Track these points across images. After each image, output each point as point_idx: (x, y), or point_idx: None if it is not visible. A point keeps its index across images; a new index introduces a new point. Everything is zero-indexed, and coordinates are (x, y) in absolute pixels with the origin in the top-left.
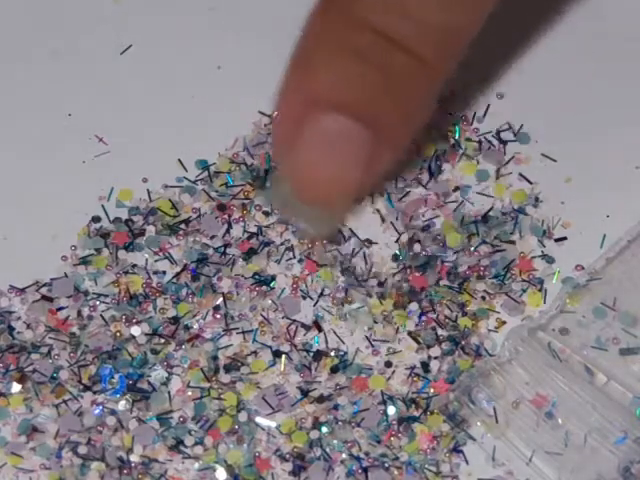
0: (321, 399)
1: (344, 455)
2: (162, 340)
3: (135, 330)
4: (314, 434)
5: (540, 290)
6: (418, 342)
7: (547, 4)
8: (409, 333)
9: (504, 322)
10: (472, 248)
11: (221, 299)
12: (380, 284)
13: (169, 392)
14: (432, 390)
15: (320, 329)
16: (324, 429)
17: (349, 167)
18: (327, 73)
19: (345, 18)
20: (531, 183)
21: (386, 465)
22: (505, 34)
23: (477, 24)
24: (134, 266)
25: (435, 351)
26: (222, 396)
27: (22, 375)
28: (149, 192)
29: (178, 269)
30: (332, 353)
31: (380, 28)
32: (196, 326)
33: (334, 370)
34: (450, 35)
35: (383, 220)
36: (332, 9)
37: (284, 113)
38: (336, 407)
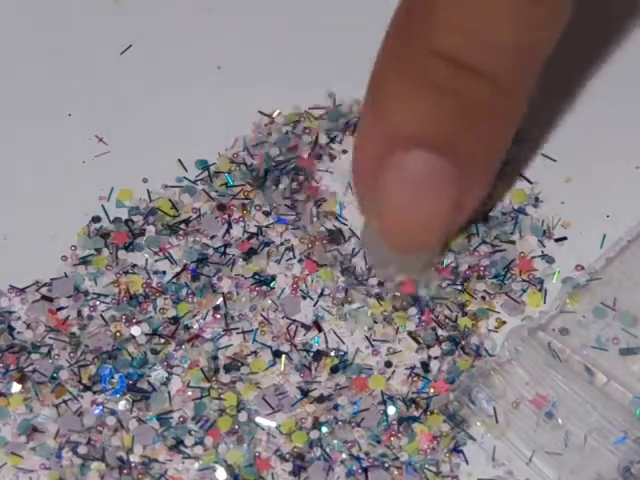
0: (321, 399)
1: (344, 455)
2: (162, 340)
3: (135, 330)
4: (314, 434)
5: (540, 290)
6: (418, 342)
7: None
8: (409, 333)
9: (504, 322)
10: (472, 248)
11: (221, 299)
12: (380, 284)
13: (169, 392)
14: (432, 390)
15: (320, 329)
16: (324, 429)
17: (439, 208)
18: (405, 108)
19: (419, 48)
20: (531, 183)
21: (386, 465)
22: None
23: (552, 41)
24: (134, 266)
25: (435, 351)
26: (222, 396)
27: (22, 375)
28: (149, 192)
29: (178, 269)
30: (332, 353)
31: (455, 56)
32: (196, 326)
33: (334, 370)
34: (526, 57)
35: None
36: (404, 39)
37: (364, 153)
38: (336, 407)
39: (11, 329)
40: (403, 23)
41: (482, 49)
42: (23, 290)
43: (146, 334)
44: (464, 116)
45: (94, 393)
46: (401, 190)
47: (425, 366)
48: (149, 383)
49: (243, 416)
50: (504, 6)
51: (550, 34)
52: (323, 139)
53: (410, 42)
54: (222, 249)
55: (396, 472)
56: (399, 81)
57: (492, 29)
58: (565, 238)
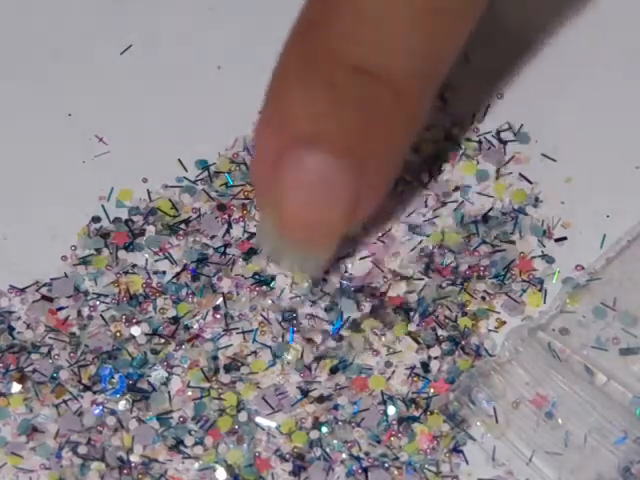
0: (321, 399)
1: (344, 455)
2: (162, 340)
3: (135, 330)
4: (314, 434)
5: (540, 290)
6: (418, 342)
7: (547, 4)
8: (409, 333)
9: (504, 322)
10: (472, 248)
11: (221, 299)
12: (372, 295)
13: (169, 392)
14: (432, 390)
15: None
16: (324, 429)
17: (334, 209)
18: (304, 109)
19: (318, 51)
20: (531, 183)
21: (386, 465)
22: (505, 34)
23: (453, 52)
24: (134, 266)
25: (435, 351)
26: (222, 396)
27: (22, 375)
28: (149, 192)
29: (178, 269)
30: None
31: (353, 60)
32: (196, 326)
33: (334, 370)
34: (426, 64)
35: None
36: (304, 42)
37: (262, 151)
38: (336, 407)
39: (11, 329)
40: (305, 27)
41: (381, 56)
42: (23, 290)
43: (146, 334)
44: (362, 119)
45: (94, 393)
46: (297, 189)
47: (425, 366)
48: (149, 383)
49: (243, 416)
50: (401, 16)
51: (452, 43)
52: None
53: (311, 46)
54: (222, 249)
55: (396, 472)
56: (299, 82)
57: (391, 37)
58: (565, 238)
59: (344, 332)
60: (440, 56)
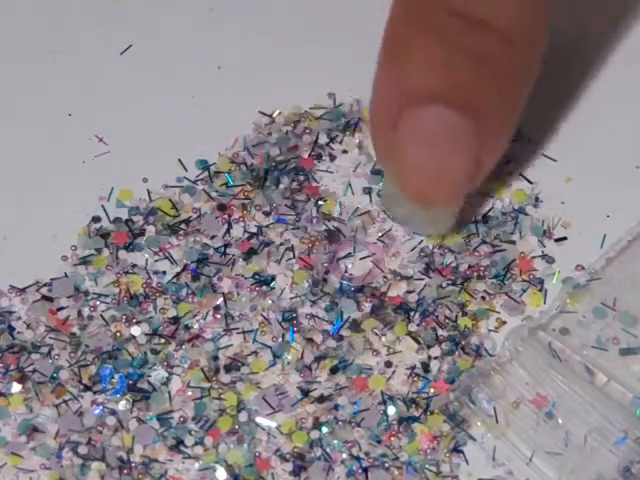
0: (321, 399)
1: (344, 455)
2: (162, 340)
3: (135, 330)
4: (314, 434)
5: (540, 290)
6: (418, 342)
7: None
8: (409, 333)
9: (504, 322)
10: (472, 248)
11: (221, 299)
12: (372, 296)
13: (169, 392)
14: (432, 390)
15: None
16: (324, 429)
17: (457, 163)
18: (419, 65)
19: (431, 5)
20: (531, 183)
21: (386, 465)
22: None
23: (546, 13)
24: (134, 266)
25: (435, 351)
26: (222, 396)
27: (22, 375)
28: (149, 192)
29: (178, 269)
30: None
31: (465, 11)
32: (196, 326)
33: (334, 370)
34: (533, 17)
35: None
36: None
37: (381, 110)
38: (336, 407)
39: (11, 329)
40: None
41: (492, 5)
42: (23, 290)
43: (146, 334)
44: (478, 71)
45: (94, 393)
46: (419, 145)
47: (425, 366)
48: (149, 383)
49: (243, 416)
50: None
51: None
52: (323, 139)
53: (425, 1)
54: (222, 249)
55: (396, 472)
56: (412, 38)
57: None
58: (565, 238)
59: (344, 332)
60: (543, 12)
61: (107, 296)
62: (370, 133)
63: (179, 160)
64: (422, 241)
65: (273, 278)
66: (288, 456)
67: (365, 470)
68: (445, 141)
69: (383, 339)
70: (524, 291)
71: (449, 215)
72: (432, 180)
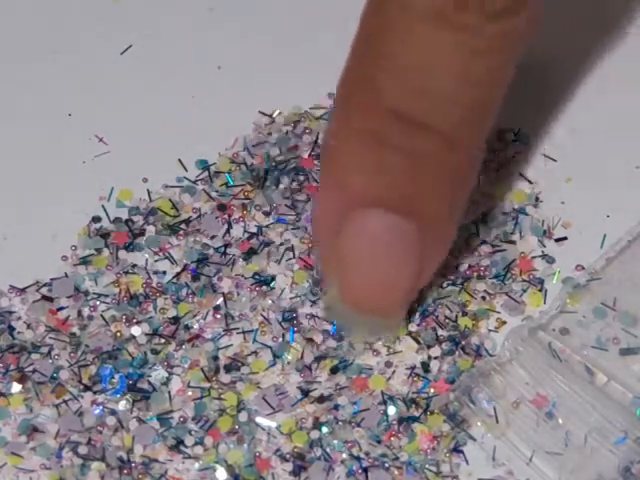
0: (321, 399)
1: (344, 455)
2: (162, 340)
3: (135, 330)
4: (314, 434)
5: (540, 290)
6: (418, 342)
7: (547, 3)
8: (409, 333)
9: (504, 322)
10: (472, 248)
11: (221, 299)
12: None
13: (169, 392)
14: (432, 390)
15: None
16: (324, 429)
17: (400, 268)
18: (360, 169)
19: (368, 108)
20: (531, 183)
21: (386, 465)
22: None
23: (499, 95)
24: (134, 266)
25: (435, 351)
26: (222, 396)
27: (22, 375)
28: (149, 192)
29: (178, 269)
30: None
31: (404, 114)
32: (196, 326)
33: (334, 370)
34: (476, 111)
35: None
36: (353, 100)
37: (323, 217)
38: (336, 407)
39: (11, 329)
40: (351, 84)
41: (430, 105)
42: (23, 290)
43: (146, 334)
44: (419, 174)
45: (94, 393)
46: (361, 251)
47: (425, 366)
48: (149, 383)
49: (243, 416)
50: (447, 61)
51: (499, 86)
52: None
53: (359, 102)
54: (222, 249)
55: (396, 472)
56: (351, 141)
57: (439, 85)
58: (565, 238)
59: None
60: (486, 105)
61: (107, 296)
62: (312, 243)
63: (179, 160)
64: None
65: (273, 278)
66: (288, 456)
67: (365, 470)
68: (388, 246)
69: (383, 339)
70: (524, 291)
71: (395, 320)
72: (377, 289)
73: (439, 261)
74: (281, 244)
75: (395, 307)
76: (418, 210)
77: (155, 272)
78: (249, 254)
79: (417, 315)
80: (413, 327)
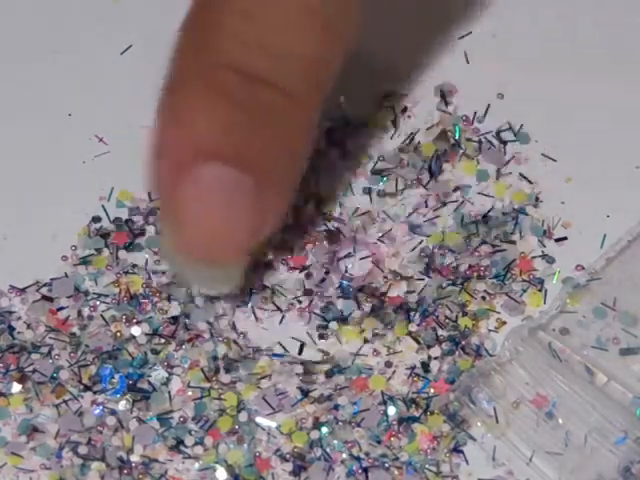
0: (321, 399)
1: (344, 455)
2: (162, 340)
3: (135, 330)
4: (314, 434)
5: (540, 290)
6: (418, 342)
7: (547, 4)
8: (409, 333)
9: (504, 322)
10: (472, 248)
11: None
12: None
13: (169, 392)
14: (432, 390)
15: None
16: (324, 429)
17: (237, 220)
18: (199, 120)
19: (207, 60)
20: (531, 183)
21: (386, 465)
22: (505, 34)
23: (340, 56)
24: (134, 266)
25: (435, 351)
26: (222, 396)
27: (22, 375)
28: (149, 192)
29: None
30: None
31: (242, 66)
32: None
33: (329, 374)
34: (314, 67)
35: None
36: (195, 49)
37: (161, 164)
38: (336, 407)
39: (11, 329)
40: (193, 32)
41: (271, 60)
42: (23, 290)
43: (146, 334)
44: (257, 127)
45: (94, 393)
46: (196, 203)
47: (425, 366)
48: (149, 383)
49: (243, 416)
50: (292, 18)
51: (336, 50)
52: (323, 139)
53: (201, 53)
54: None
55: (396, 472)
56: (193, 91)
57: (282, 41)
58: (565, 238)
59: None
60: (328, 63)
61: (107, 296)
62: (150, 185)
63: None
64: (422, 241)
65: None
66: (288, 456)
67: (365, 470)
68: (223, 198)
69: (383, 339)
70: (524, 291)
71: (234, 272)
72: (211, 238)
73: (279, 211)
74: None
75: (232, 257)
76: (255, 162)
77: (154, 272)
78: None
79: (417, 315)
80: (413, 327)
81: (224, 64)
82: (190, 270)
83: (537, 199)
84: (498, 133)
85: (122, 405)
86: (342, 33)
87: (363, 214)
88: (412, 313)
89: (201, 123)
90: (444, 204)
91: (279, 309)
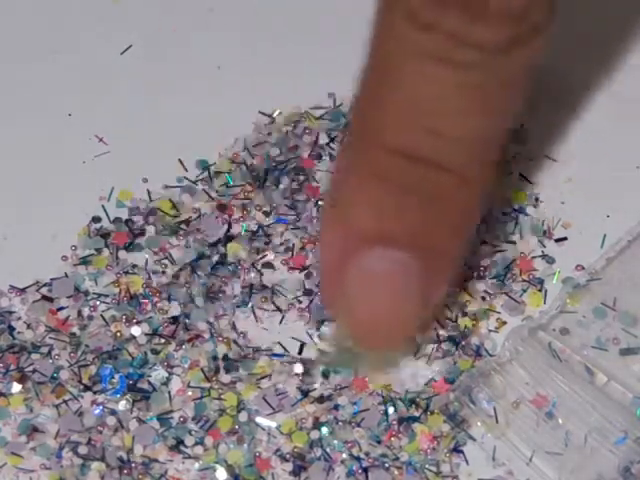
0: (321, 399)
1: (344, 455)
2: (162, 340)
3: (135, 330)
4: (314, 434)
5: (540, 290)
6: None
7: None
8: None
9: (504, 322)
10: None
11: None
12: None
13: (169, 392)
14: (432, 390)
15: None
16: (324, 429)
17: (405, 304)
18: (365, 207)
19: (374, 146)
20: (531, 183)
21: (386, 465)
22: None
23: (506, 127)
24: (134, 266)
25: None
26: (222, 396)
27: (22, 375)
28: (149, 192)
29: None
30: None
31: (409, 150)
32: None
33: (326, 374)
34: (481, 144)
35: None
36: (361, 139)
37: (329, 255)
38: (336, 407)
39: (11, 329)
40: (359, 122)
41: (438, 143)
42: (23, 290)
43: (146, 334)
44: (425, 210)
45: (94, 393)
46: (365, 289)
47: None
48: (149, 383)
49: (243, 416)
50: (452, 99)
51: (501, 123)
52: (323, 139)
53: (366, 141)
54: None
55: (396, 472)
56: (358, 180)
57: (446, 124)
58: (565, 238)
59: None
60: (492, 140)
61: (107, 296)
62: (319, 277)
63: (179, 160)
64: None
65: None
66: (288, 456)
67: (365, 470)
68: (392, 283)
69: None
70: (524, 291)
71: (396, 354)
72: (382, 324)
73: (443, 291)
74: (281, 244)
75: (400, 340)
76: (423, 245)
77: (155, 272)
78: None
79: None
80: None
81: (389, 147)
82: (357, 357)
83: (537, 199)
84: None
85: (122, 405)
86: (515, 104)
87: None
88: None
89: (367, 208)
90: None
91: (279, 309)
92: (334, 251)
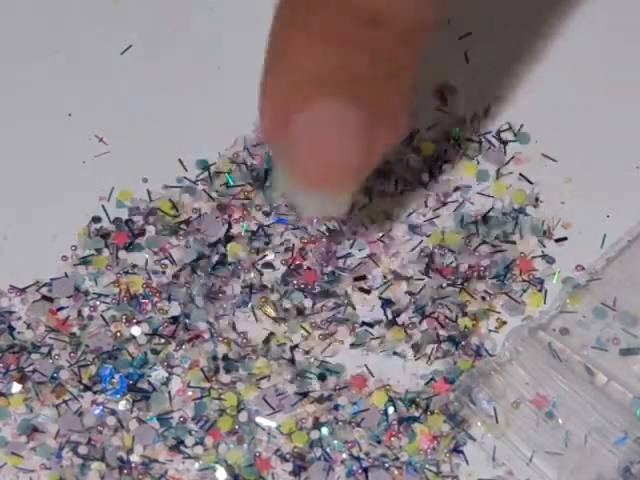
0: (321, 399)
1: (344, 455)
2: (162, 340)
3: (135, 330)
4: (314, 434)
5: (540, 290)
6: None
7: (547, 4)
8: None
9: (504, 322)
10: (472, 248)
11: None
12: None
13: (169, 392)
14: (432, 390)
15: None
16: (324, 429)
17: (349, 151)
18: (309, 58)
19: (333, 7)
20: (531, 183)
21: (386, 465)
22: (505, 34)
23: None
24: (134, 266)
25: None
26: (222, 396)
27: (22, 375)
28: (149, 192)
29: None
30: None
31: (358, 7)
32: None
33: (322, 377)
34: (425, 12)
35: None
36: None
37: (272, 102)
38: (336, 407)
39: (11, 329)
40: None
41: (389, 5)
42: (23, 290)
43: (146, 334)
44: (367, 64)
45: (94, 393)
46: (310, 136)
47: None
48: (149, 383)
49: (243, 416)
50: None
51: None
52: None
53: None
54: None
55: (396, 472)
56: (307, 34)
57: None
58: (565, 238)
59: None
60: (437, 5)
61: (107, 296)
62: (259, 121)
63: (179, 160)
64: (422, 241)
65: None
66: (288, 456)
67: (365, 470)
68: (336, 130)
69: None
70: (524, 291)
71: (344, 198)
72: (326, 169)
73: (389, 141)
74: (281, 244)
75: (345, 184)
76: (366, 97)
77: (155, 272)
78: None
79: (412, 311)
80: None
81: (349, 10)
82: (304, 199)
83: (537, 199)
84: (498, 133)
85: (122, 405)
86: None
87: (363, 214)
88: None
89: (311, 58)
90: (444, 204)
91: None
92: (279, 100)
